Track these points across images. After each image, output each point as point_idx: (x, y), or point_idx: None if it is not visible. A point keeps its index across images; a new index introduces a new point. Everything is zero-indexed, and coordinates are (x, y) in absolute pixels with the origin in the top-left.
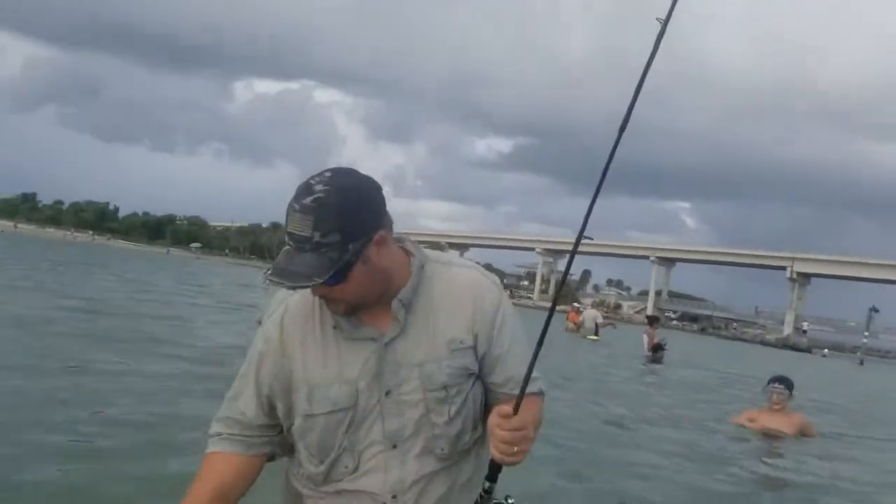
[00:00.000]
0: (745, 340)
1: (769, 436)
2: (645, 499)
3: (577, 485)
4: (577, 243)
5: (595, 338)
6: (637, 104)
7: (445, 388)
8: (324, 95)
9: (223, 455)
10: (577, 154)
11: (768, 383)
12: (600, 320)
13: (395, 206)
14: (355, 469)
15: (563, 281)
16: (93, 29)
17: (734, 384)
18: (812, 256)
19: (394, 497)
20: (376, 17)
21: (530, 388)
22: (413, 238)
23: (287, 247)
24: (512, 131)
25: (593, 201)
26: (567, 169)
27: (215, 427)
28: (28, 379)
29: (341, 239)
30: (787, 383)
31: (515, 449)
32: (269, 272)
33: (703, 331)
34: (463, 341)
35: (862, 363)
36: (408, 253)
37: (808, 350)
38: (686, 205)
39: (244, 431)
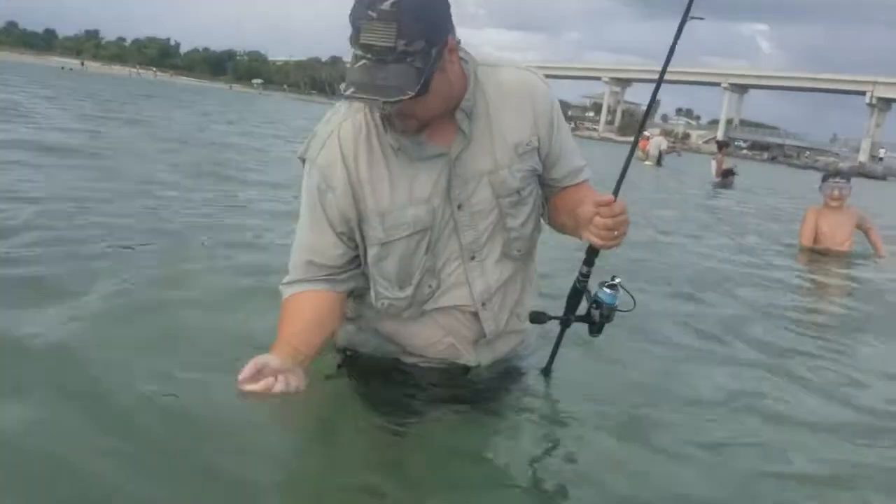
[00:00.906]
0: (817, 169)
1: (834, 259)
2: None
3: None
4: (662, 73)
5: (649, 164)
6: None
7: (518, 191)
8: None
9: (310, 292)
10: None
11: (825, 179)
12: (664, 147)
13: (460, 35)
14: (438, 287)
15: (648, 109)
16: None
17: (800, 206)
18: (894, 80)
19: (483, 305)
20: None
21: (585, 176)
22: None
23: (363, 61)
24: None
25: (680, 28)
26: None
27: (293, 275)
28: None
29: (425, 46)
30: (846, 176)
31: (616, 233)
32: (349, 90)
33: (773, 159)
34: (529, 143)
35: None
36: (460, 59)
37: (882, 178)
38: (763, 27)
39: (325, 272)
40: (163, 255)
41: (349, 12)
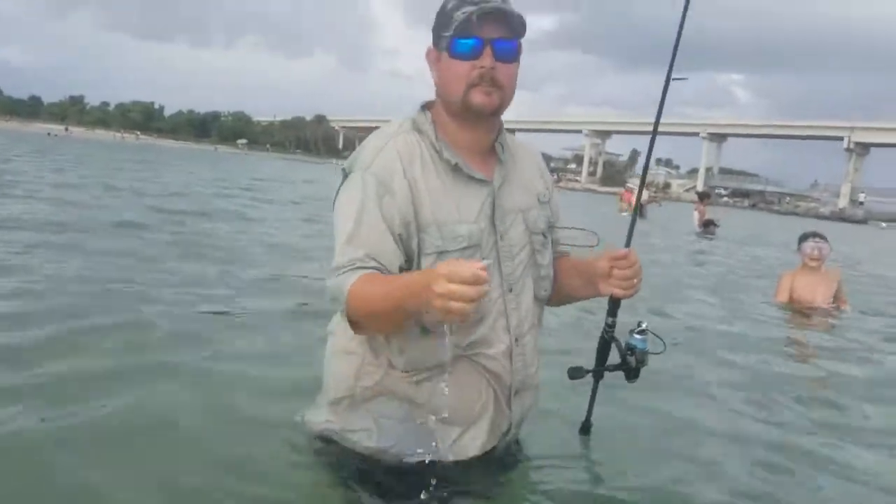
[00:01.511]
0: (797, 214)
1: (810, 317)
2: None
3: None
4: (656, 125)
5: (625, 214)
6: None
7: (544, 234)
8: None
9: (375, 273)
10: (623, 30)
11: (802, 241)
12: (646, 198)
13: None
14: (482, 317)
15: (647, 163)
16: None
17: (783, 252)
18: (872, 125)
19: (516, 340)
20: None
21: (567, 250)
22: None
23: (483, 6)
24: (556, 6)
25: (667, 85)
26: (613, 46)
27: (350, 260)
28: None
29: (520, 19)
30: (823, 237)
31: (635, 281)
32: (478, 7)
33: (754, 206)
34: (544, 195)
35: None
36: None
37: (863, 222)
38: (739, 77)
39: (378, 267)
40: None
41: (445, 6)
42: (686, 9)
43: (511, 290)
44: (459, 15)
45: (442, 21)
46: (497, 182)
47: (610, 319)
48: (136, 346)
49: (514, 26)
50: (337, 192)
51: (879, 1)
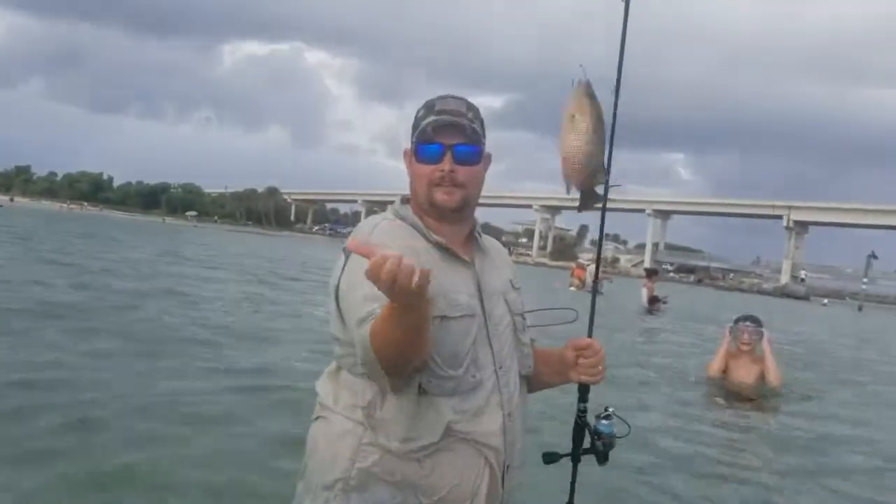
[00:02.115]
0: (741, 290)
1: (739, 392)
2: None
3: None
4: (604, 199)
5: (574, 289)
6: (632, 57)
7: (522, 315)
8: (313, 56)
9: None
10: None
11: (736, 322)
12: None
13: (388, 167)
14: (480, 383)
15: (600, 244)
16: None
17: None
18: (808, 204)
19: (508, 415)
20: None
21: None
22: None
23: (440, 117)
24: (503, 87)
25: (609, 162)
26: (555, 125)
27: (365, 313)
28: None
29: (481, 129)
30: (757, 322)
31: (600, 368)
32: (436, 117)
33: (699, 282)
34: (515, 282)
35: (861, 309)
36: None
37: (805, 298)
38: (679, 156)
39: None
40: None
41: (417, 114)
42: (616, 98)
43: (501, 367)
44: (424, 125)
45: (413, 126)
46: (478, 264)
47: (582, 405)
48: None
49: (470, 136)
50: (341, 272)
51: (812, 90)
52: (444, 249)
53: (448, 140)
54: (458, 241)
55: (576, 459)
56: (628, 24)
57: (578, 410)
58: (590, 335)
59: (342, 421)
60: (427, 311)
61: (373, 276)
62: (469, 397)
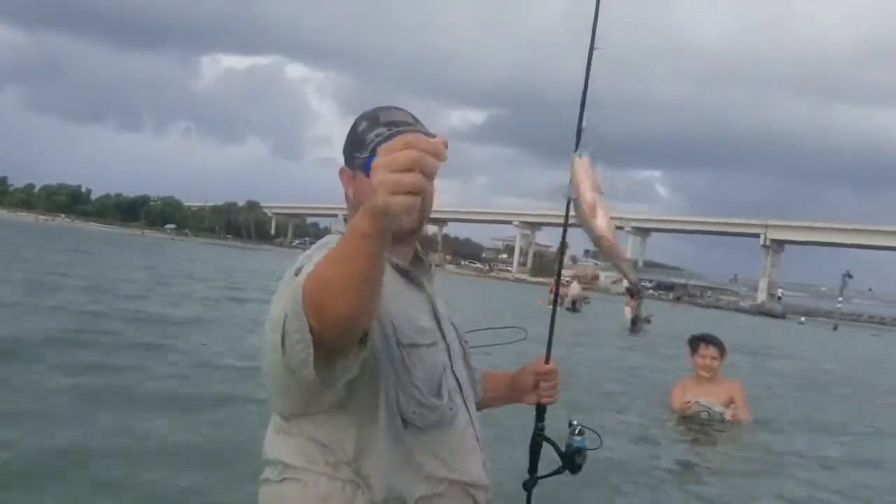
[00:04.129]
0: (719, 307)
1: (705, 430)
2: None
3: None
4: (566, 217)
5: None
6: (609, 78)
7: (466, 340)
8: (294, 70)
9: None
10: (552, 124)
11: (695, 347)
12: (577, 293)
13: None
14: (455, 415)
15: (560, 266)
16: (52, 7)
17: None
18: (785, 223)
19: (476, 439)
20: None
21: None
22: None
23: (391, 130)
24: (485, 102)
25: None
26: (541, 140)
27: (296, 269)
28: None
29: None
30: (719, 345)
31: (559, 388)
32: (390, 131)
33: (678, 299)
34: (449, 303)
35: (836, 328)
36: None
37: (782, 316)
38: (657, 173)
39: None
40: None
41: (357, 128)
42: (582, 110)
43: (467, 398)
44: (373, 137)
45: (354, 142)
46: (428, 288)
47: (540, 425)
48: None
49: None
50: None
51: (791, 109)
52: (403, 272)
53: None
54: (408, 262)
55: (533, 471)
56: (605, 41)
57: (537, 429)
58: (548, 359)
59: (326, 483)
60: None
61: (405, 149)
62: (450, 431)
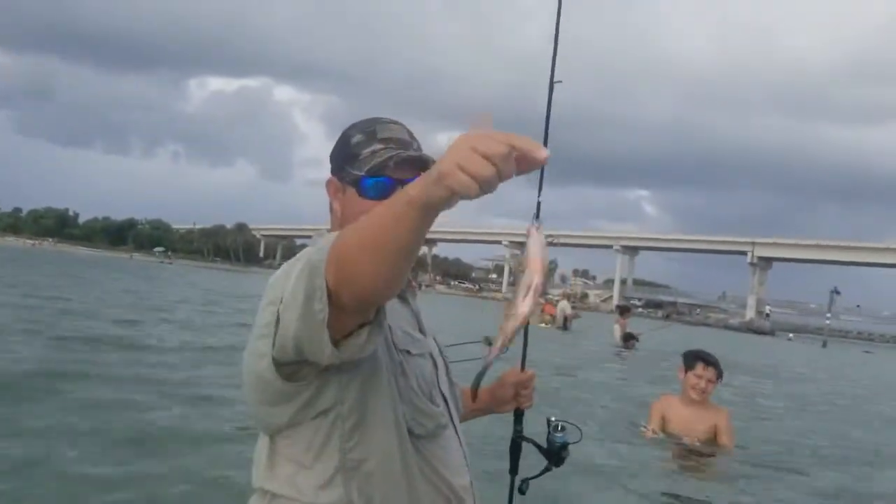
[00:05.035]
0: (708, 325)
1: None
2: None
3: None
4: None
5: (544, 326)
6: (599, 98)
7: (446, 356)
8: (282, 92)
9: None
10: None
11: (690, 365)
12: (568, 311)
13: None
14: (446, 427)
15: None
16: (40, 30)
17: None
18: (771, 241)
19: (464, 456)
20: (336, 13)
21: None
22: None
23: (388, 147)
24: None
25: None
26: None
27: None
28: None
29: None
30: (717, 367)
31: (534, 395)
32: (397, 152)
33: (667, 317)
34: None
35: (825, 345)
36: None
37: (771, 333)
38: (645, 192)
39: None
40: None
41: (350, 139)
42: (547, 126)
43: (453, 413)
44: (368, 153)
45: (346, 155)
46: (412, 303)
47: (519, 427)
48: None
49: (424, 169)
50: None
51: (778, 127)
52: None
53: (400, 175)
54: None
55: (514, 473)
56: (591, 60)
57: (516, 431)
58: (523, 366)
59: None
60: None
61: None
62: (441, 444)
